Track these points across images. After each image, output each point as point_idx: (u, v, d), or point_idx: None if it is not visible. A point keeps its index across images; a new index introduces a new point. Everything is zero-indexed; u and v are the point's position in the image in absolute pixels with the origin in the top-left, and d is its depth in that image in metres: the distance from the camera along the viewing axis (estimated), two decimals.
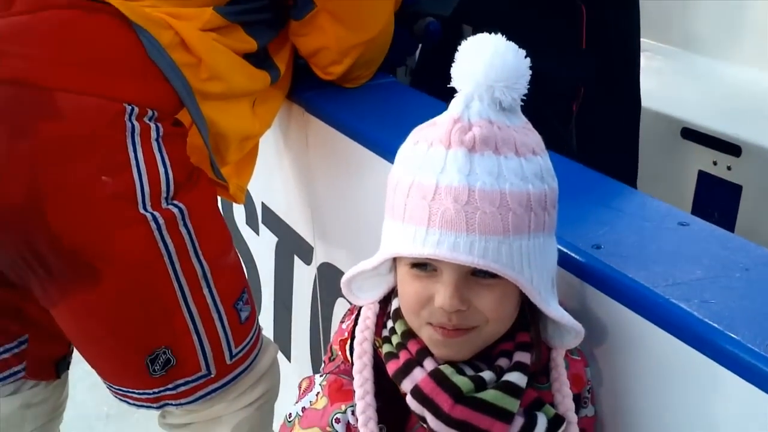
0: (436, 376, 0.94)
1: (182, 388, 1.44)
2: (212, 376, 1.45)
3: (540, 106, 1.84)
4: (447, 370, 0.94)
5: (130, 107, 1.33)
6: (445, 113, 0.95)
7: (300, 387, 1.07)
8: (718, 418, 0.96)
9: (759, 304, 0.96)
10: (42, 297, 1.40)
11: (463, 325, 0.93)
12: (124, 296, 1.36)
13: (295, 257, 2.00)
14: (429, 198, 0.90)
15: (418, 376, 0.95)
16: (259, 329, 1.59)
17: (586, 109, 2.00)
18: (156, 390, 1.43)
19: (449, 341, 0.94)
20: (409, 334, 0.99)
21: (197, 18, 1.45)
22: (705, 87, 2.75)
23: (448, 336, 0.94)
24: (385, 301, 1.06)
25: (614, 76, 2.05)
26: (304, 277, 1.97)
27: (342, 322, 1.12)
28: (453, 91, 0.96)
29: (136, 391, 1.45)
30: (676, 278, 1.02)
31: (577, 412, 1.03)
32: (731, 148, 2.44)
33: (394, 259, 0.99)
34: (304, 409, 1.03)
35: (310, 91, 1.76)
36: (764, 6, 2.78)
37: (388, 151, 1.49)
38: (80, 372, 1.74)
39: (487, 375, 0.95)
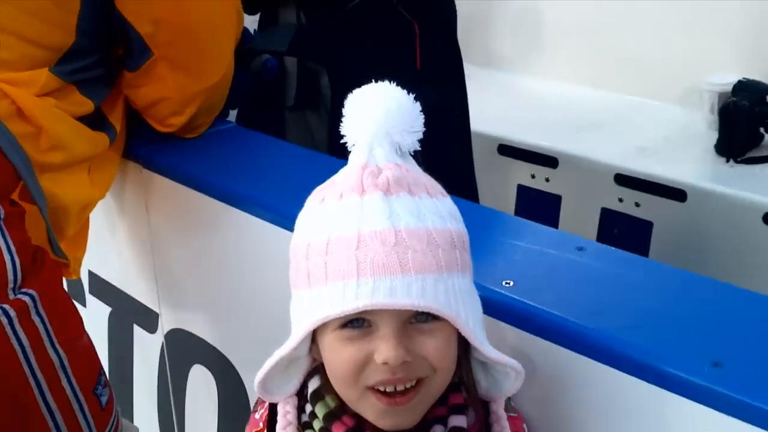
0: None
1: None
2: None
3: None
4: None
5: None
6: (343, 169, 0.92)
7: None
8: None
9: (687, 319, 0.98)
10: None
11: (409, 376, 0.86)
12: None
13: (135, 327, 1.84)
14: (353, 248, 0.84)
15: None
16: (118, 412, 1.44)
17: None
18: None
19: (396, 409, 0.87)
20: (333, 416, 0.91)
21: (34, 82, 1.31)
22: (513, 103, 2.85)
23: (395, 404, 0.86)
24: (301, 388, 0.97)
25: (450, 97, 2.06)
26: (147, 346, 1.81)
27: (254, 412, 1.02)
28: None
29: None
30: (596, 306, 1.01)
31: None
32: (548, 160, 2.53)
33: (313, 337, 0.91)
34: None
35: (146, 146, 1.62)
36: (561, 20, 2.92)
37: (242, 200, 1.43)
38: None
39: None
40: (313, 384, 0.94)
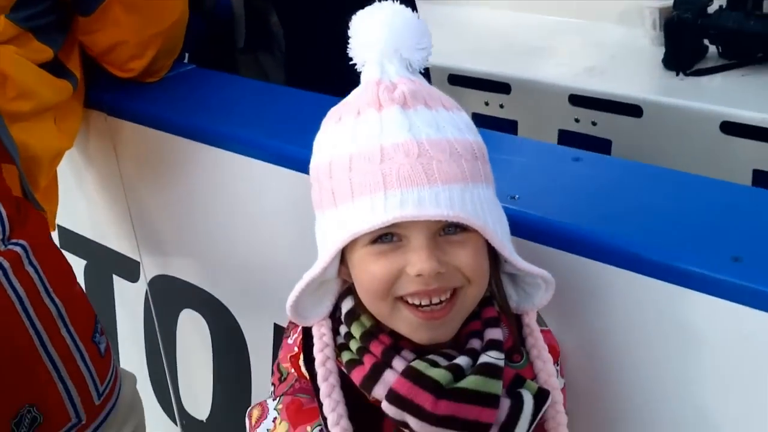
0: (411, 374, 0.85)
1: None
2: (83, 422, 1.30)
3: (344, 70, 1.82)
4: (420, 365, 0.86)
5: None
6: (356, 89, 0.91)
7: (251, 416, 0.96)
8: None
9: (699, 218, 1.00)
10: None
11: (444, 287, 0.85)
12: None
13: (115, 277, 1.82)
14: (377, 162, 0.84)
15: (390, 378, 0.87)
16: (116, 359, 1.45)
17: None
18: None
19: (432, 323, 0.87)
20: (370, 335, 0.90)
21: None
22: (458, 33, 2.84)
23: (431, 318, 0.86)
24: (333, 310, 0.96)
25: None
26: (130, 297, 1.79)
27: (286, 337, 1.01)
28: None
29: None
30: (606, 212, 1.03)
31: None
32: (500, 86, 2.54)
33: (342, 258, 0.91)
34: None
35: (109, 94, 1.59)
36: None
37: (214, 136, 1.42)
38: None
39: (463, 361, 0.87)
40: (347, 305, 0.93)
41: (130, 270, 1.76)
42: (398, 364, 0.88)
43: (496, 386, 0.86)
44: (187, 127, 1.46)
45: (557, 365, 1.02)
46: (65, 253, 1.89)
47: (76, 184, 1.75)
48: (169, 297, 1.70)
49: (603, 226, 1.00)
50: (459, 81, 2.63)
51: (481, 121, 2.89)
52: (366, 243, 0.86)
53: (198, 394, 1.78)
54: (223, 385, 1.69)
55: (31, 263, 1.22)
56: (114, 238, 1.76)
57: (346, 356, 0.91)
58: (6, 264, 1.17)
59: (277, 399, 0.95)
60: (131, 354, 1.88)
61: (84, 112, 1.61)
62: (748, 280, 0.89)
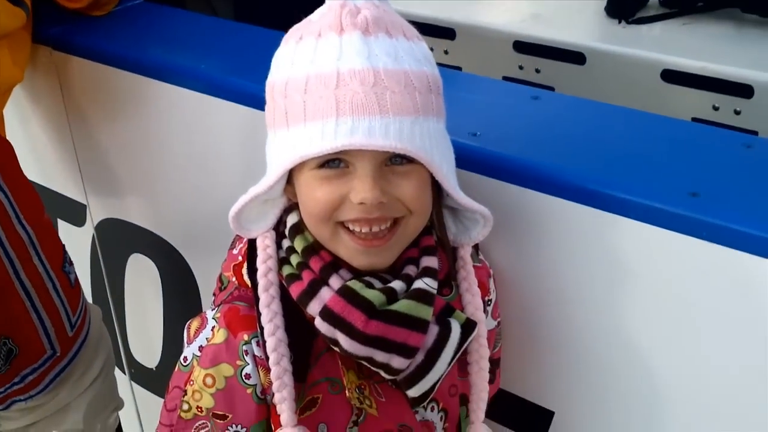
0: (346, 293, 0.88)
1: (30, 378, 1.26)
2: (58, 354, 1.29)
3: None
4: (356, 285, 0.89)
5: None
6: (320, 8, 0.90)
7: (189, 328, 0.97)
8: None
9: (656, 155, 1.02)
10: None
11: (385, 216, 0.87)
12: None
13: (60, 221, 1.78)
14: (332, 87, 0.84)
15: (325, 296, 0.89)
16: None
17: None
18: (2, 389, 1.25)
19: (371, 249, 0.89)
20: (311, 250, 0.92)
21: None
22: None
23: (371, 245, 0.88)
24: (278, 224, 0.97)
25: None
26: (76, 240, 1.76)
27: (231, 248, 1.02)
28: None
29: None
30: (565, 148, 1.05)
31: None
32: (445, 31, 2.54)
33: (289, 178, 0.92)
34: (201, 347, 0.94)
35: (55, 27, 1.54)
36: None
37: (164, 71, 1.39)
38: None
39: (397, 285, 0.90)
40: (292, 219, 0.95)
41: (76, 213, 1.72)
42: (335, 282, 0.90)
43: (426, 311, 0.89)
44: (137, 62, 1.42)
45: (489, 306, 1.05)
46: None
47: (19, 124, 1.70)
48: (118, 241, 1.68)
49: (559, 162, 1.02)
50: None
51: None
52: (313, 167, 0.87)
53: (147, 341, 1.77)
54: (173, 331, 1.68)
55: (1, 189, 1.19)
56: (59, 180, 1.72)
57: (286, 270, 0.93)
58: None
59: (216, 308, 0.96)
60: None
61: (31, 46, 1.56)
62: (706, 214, 0.91)
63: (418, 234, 0.94)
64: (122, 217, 1.63)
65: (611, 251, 1.00)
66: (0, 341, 1.21)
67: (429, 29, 2.56)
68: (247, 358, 0.92)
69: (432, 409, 0.99)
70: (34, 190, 1.32)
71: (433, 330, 0.91)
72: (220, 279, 1.02)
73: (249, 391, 0.92)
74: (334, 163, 0.86)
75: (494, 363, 1.10)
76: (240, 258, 0.98)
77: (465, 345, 0.94)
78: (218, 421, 0.94)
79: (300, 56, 0.88)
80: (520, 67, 2.41)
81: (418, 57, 0.89)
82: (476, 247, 1.04)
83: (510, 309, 1.11)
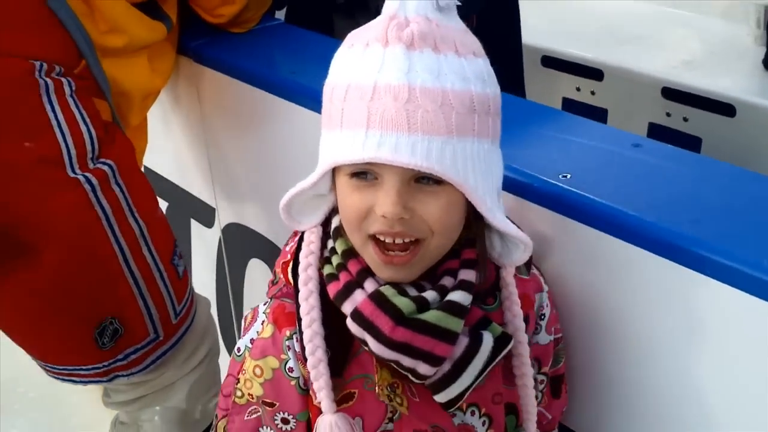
0: (377, 298, 0.90)
1: (132, 357, 1.38)
2: (161, 338, 1.40)
3: None
4: (388, 291, 0.90)
5: (38, 63, 1.23)
6: (377, 17, 0.91)
7: (245, 320, 1.03)
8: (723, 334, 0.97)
9: (737, 215, 0.99)
10: None
11: (406, 234, 0.88)
12: (66, 269, 1.27)
13: (193, 221, 1.90)
14: (367, 99, 0.85)
15: (358, 298, 0.91)
16: (192, 283, 1.53)
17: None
18: (106, 363, 1.36)
19: (391, 267, 0.90)
20: (350, 253, 0.94)
21: None
22: (555, 14, 2.82)
23: (390, 262, 0.90)
24: (327, 223, 1.00)
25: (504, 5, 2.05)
26: (205, 241, 1.87)
27: (285, 245, 1.06)
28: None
29: (84, 367, 1.37)
30: (654, 200, 1.03)
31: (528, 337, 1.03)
32: (593, 72, 2.51)
33: (334, 175, 0.95)
34: (252, 340, 1.00)
35: (197, 41, 1.65)
36: None
37: (292, 92, 1.45)
38: None
39: (430, 295, 0.91)
40: (336, 221, 0.97)
41: (207, 215, 1.83)
42: (369, 285, 0.92)
43: (456, 324, 0.90)
44: (265, 80, 1.50)
45: (541, 321, 1.06)
46: None
47: (163, 127, 1.83)
48: (240, 246, 1.77)
49: (645, 213, 1.00)
50: (552, 63, 2.61)
51: (570, 106, 2.86)
52: (347, 173, 0.89)
53: None
54: None
55: (117, 182, 1.30)
56: (194, 182, 1.84)
57: (327, 269, 0.96)
58: (95, 181, 1.26)
59: (267, 303, 1.01)
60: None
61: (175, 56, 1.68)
62: None
63: (462, 246, 0.95)
64: (245, 223, 1.72)
65: (688, 307, 0.98)
66: (108, 320, 1.32)
67: (577, 68, 2.55)
68: (290, 353, 0.97)
69: (473, 414, 1.00)
70: (150, 188, 1.42)
71: (463, 341, 0.92)
72: (273, 273, 1.06)
73: (293, 383, 0.97)
74: (364, 174, 0.88)
75: (556, 379, 1.10)
76: (288, 256, 1.02)
77: (499, 357, 0.94)
78: (267, 408, 1.00)
79: (347, 63, 0.90)
80: (668, 114, 2.36)
81: (466, 75, 0.87)
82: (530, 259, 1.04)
83: (578, 349, 1.11)
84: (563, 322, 1.11)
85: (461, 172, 0.86)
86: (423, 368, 0.90)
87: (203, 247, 1.90)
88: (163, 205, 1.96)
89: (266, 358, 0.98)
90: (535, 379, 1.06)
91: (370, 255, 0.91)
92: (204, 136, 1.73)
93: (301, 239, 1.00)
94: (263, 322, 1.00)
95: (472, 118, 0.87)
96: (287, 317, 0.97)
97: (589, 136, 1.20)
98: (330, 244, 0.97)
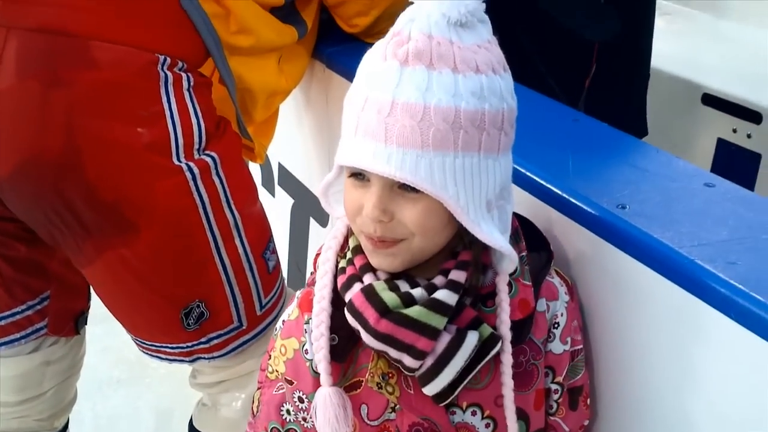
0: (366, 291, 0.97)
1: (215, 341, 1.45)
2: (244, 327, 1.47)
3: (550, 85, 1.84)
4: (378, 286, 0.97)
5: (163, 57, 1.34)
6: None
7: (290, 302, 1.13)
8: (744, 381, 0.95)
9: None
10: (76, 256, 1.40)
11: (387, 237, 0.95)
12: (162, 248, 1.37)
13: (311, 219, 2.00)
14: (359, 109, 0.93)
15: (355, 290, 0.98)
16: (283, 279, 1.59)
17: (599, 84, 1.96)
18: (189, 344, 1.44)
19: (378, 251, 0.97)
20: (358, 249, 1.01)
21: None
22: (727, 52, 2.72)
23: (377, 246, 0.96)
24: None
25: (633, 37, 2.02)
26: (319, 240, 1.96)
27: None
28: None
29: (170, 345, 1.46)
30: (701, 239, 1.00)
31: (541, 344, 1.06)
32: (752, 115, 2.41)
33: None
34: (284, 321, 1.11)
35: (331, 47, 1.74)
36: None
37: None
38: (91, 336, 1.76)
39: (418, 292, 0.97)
40: None
41: (322, 215, 1.92)
42: (367, 279, 0.99)
43: (438, 320, 0.95)
44: None
45: (555, 326, 1.07)
46: (280, 190, 2.13)
47: (296, 127, 1.94)
48: None
49: (686, 251, 0.98)
50: (711, 102, 2.52)
51: (724, 147, 2.75)
52: (348, 173, 0.97)
53: None
54: None
55: (218, 174, 1.40)
56: (315, 183, 1.92)
57: (341, 263, 1.03)
58: (196, 170, 1.36)
59: (302, 289, 1.10)
60: None
61: (311, 60, 1.78)
62: None
63: (462, 247, 1.00)
64: None
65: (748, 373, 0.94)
66: (195, 303, 1.41)
67: (736, 109, 2.46)
68: (307, 336, 1.06)
69: (473, 414, 1.03)
70: (251, 183, 1.51)
71: (446, 338, 0.96)
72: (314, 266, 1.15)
73: (307, 364, 1.06)
74: (360, 175, 0.95)
75: (574, 391, 1.11)
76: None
77: (487, 358, 0.98)
78: (288, 385, 1.10)
79: (359, 73, 0.97)
80: None
81: (458, 92, 0.90)
82: (549, 263, 1.07)
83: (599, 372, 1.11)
84: (588, 343, 1.12)
85: (438, 183, 0.91)
86: (407, 360, 0.96)
87: (317, 246, 1.98)
88: (289, 201, 2.08)
89: (290, 338, 1.08)
90: (549, 389, 1.09)
91: (364, 243, 0.99)
92: (329, 140, 1.82)
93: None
94: (295, 306, 1.09)
95: (456, 133, 0.91)
96: (309, 303, 1.05)
97: (663, 168, 1.18)
98: (351, 241, 1.04)
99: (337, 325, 1.01)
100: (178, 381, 2.47)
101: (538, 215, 1.14)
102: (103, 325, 1.75)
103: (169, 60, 1.35)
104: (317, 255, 1.09)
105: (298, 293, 1.11)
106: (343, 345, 1.02)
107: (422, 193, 0.92)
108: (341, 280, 1.01)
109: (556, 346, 1.08)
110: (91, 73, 1.29)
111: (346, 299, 0.99)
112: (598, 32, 1.91)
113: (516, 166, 1.06)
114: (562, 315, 1.08)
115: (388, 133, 0.90)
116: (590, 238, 1.09)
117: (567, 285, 1.10)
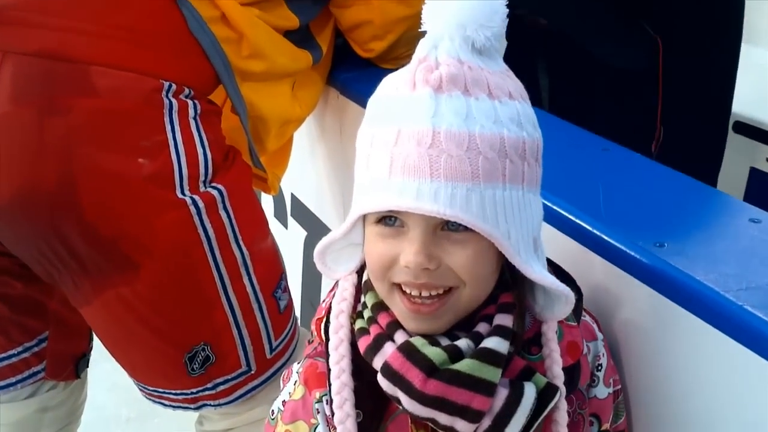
0: (406, 349, 0.84)
1: (221, 387, 1.37)
2: (252, 372, 1.38)
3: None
4: (418, 341, 0.85)
5: (168, 83, 1.27)
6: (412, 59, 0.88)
7: (284, 379, 0.99)
8: None
9: None
10: (73, 295, 1.33)
11: (434, 284, 0.84)
12: (164, 288, 1.29)
13: None
14: (391, 144, 0.82)
15: (388, 351, 0.86)
16: (296, 319, 1.51)
17: (669, 146, 1.85)
18: (194, 390, 1.36)
19: (419, 316, 0.85)
20: (380, 306, 0.89)
21: None
22: (759, 79, 2.62)
23: (418, 311, 0.85)
24: (363, 270, 0.96)
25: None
26: None
27: (322, 302, 1.02)
28: None
29: (173, 391, 1.38)
30: (750, 282, 0.91)
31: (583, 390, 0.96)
32: None
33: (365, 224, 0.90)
34: (284, 402, 0.95)
35: (345, 73, 1.67)
36: None
37: None
38: (100, 373, 1.68)
39: (463, 343, 0.85)
40: (367, 274, 0.93)
41: None
42: (400, 337, 0.87)
43: (492, 373, 0.83)
44: None
45: (598, 372, 0.98)
46: (293, 221, 2.05)
47: (309, 156, 1.86)
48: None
49: (733, 294, 0.89)
50: (743, 130, 2.43)
51: (757, 177, 2.67)
52: (374, 221, 0.86)
53: None
54: None
55: (225, 208, 1.31)
56: (329, 214, 1.85)
57: (358, 324, 0.91)
58: (201, 204, 1.28)
59: (301, 362, 0.97)
60: None
61: (325, 87, 1.70)
62: None
63: (499, 290, 0.89)
64: None
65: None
66: (200, 346, 1.32)
67: (756, 133, 2.37)
68: (319, 417, 0.91)
69: None
70: (262, 217, 1.43)
71: (502, 393, 0.85)
72: (311, 332, 1.03)
73: None
74: (390, 220, 0.84)
75: None
76: (323, 313, 0.98)
77: (546, 411, 0.87)
78: None
79: (375, 107, 0.87)
80: None
81: (499, 118, 0.83)
82: (581, 300, 0.96)
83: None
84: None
85: (490, 219, 0.81)
86: (461, 425, 0.84)
87: (331, 281, 1.90)
88: (302, 234, 2.00)
89: (297, 422, 0.94)
90: None
91: (397, 304, 0.87)
92: (342, 170, 1.74)
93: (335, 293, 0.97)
94: (295, 382, 0.96)
95: (502, 163, 0.82)
96: (318, 378, 0.93)
97: (705, 205, 1.09)
98: (363, 298, 0.93)
99: (360, 400, 0.89)
100: (189, 421, 2.40)
101: (563, 251, 1.05)
102: (112, 362, 1.66)
103: (174, 86, 1.28)
104: (318, 321, 0.97)
105: (296, 368, 0.98)
106: (368, 423, 0.89)
107: (470, 233, 0.82)
108: (364, 342, 0.88)
109: (601, 391, 0.98)
110: (90, 101, 1.22)
111: (376, 364, 0.87)
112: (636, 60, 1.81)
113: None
114: (603, 355, 0.99)
115: (434, 166, 0.79)
116: (626, 280, 1.00)
117: (596, 322, 1.01)
